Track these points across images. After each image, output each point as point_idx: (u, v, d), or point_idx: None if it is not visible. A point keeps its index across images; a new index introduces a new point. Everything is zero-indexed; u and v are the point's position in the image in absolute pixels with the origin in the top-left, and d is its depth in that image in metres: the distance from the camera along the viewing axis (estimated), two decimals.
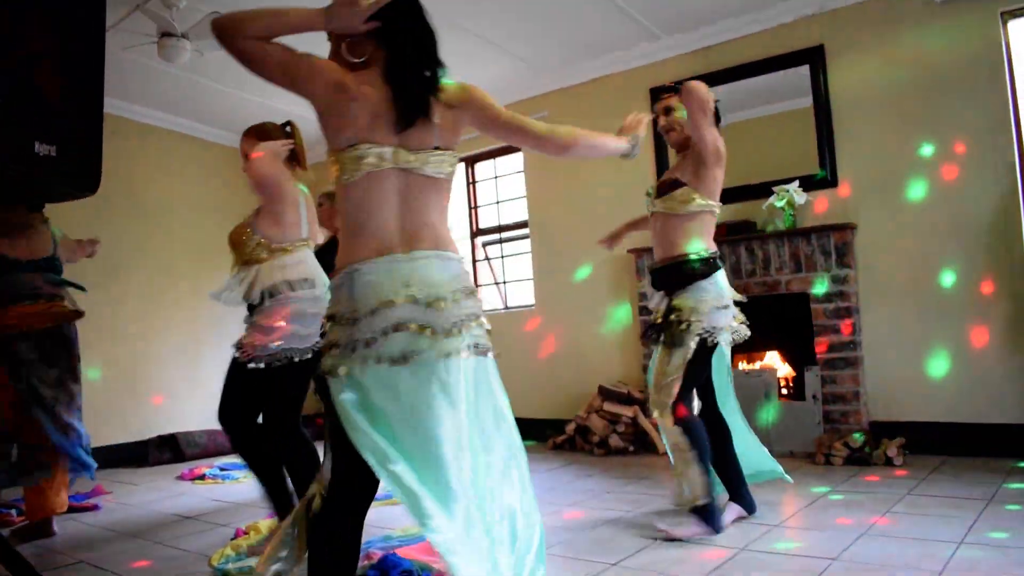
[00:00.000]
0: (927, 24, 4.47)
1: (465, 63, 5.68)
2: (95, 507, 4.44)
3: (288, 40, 1.77)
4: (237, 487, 4.84)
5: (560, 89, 6.01)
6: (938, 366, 4.43)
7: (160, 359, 6.39)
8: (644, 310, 5.16)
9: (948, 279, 4.40)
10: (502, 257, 6.70)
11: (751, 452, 3.52)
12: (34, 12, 1.75)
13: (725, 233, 4.96)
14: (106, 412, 5.72)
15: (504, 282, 6.70)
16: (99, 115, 1.88)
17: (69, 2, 1.86)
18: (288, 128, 3.36)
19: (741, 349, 4.94)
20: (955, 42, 4.39)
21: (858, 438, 4.32)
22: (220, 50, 1.74)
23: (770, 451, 3.58)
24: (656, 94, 3.25)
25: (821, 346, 4.67)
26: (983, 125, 4.30)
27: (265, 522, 3.56)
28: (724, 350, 3.37)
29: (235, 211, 5.26)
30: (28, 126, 1.62)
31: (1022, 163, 4.23)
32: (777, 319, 4.88)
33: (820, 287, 4.67)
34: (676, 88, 3.32)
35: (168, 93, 6.00)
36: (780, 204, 4.74)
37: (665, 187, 3.33)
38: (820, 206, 4.81)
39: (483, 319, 1.91)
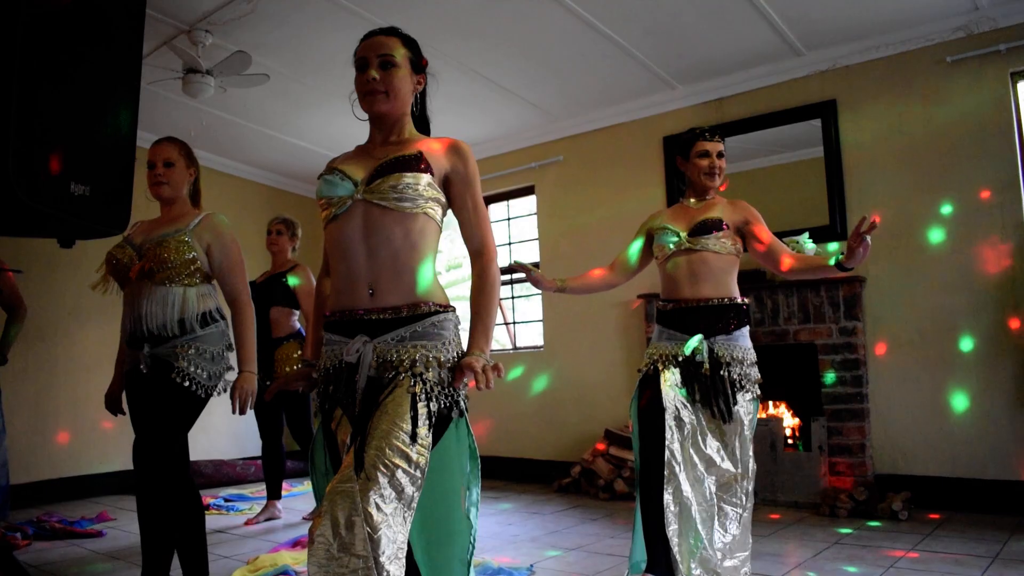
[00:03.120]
0: (938, 82, 4.55)
1: (480, 108, 5.78)
2: (99, 533, 4.45)
3: None
4: (242, 518, 4.85)
5: (574, 136, 6.11)
6: (945, 421, 4.43)
7: None
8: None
9: (956, 334, 4.42)
10: (512, 298, 6.74)
11: None
12: (74, 54, 1.82)
13: None
14: (117, 439, 5.75)
15: (514, 323, 6.74)
16: (131, 156, 1.95)
17: (108, 45, 1.93)
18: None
19: None
20: (965, 100, 4.46)
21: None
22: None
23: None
24: (709, 135, 3.18)
25: (828, 397, 4.69)
26: (992, 182, 4.36)
27: (268, 556, 3.57)
28: None
29: (250, 240, 5.36)
30: (64, 166, 1.68)
31: None
32: (784, 369, 4.89)
33: (829, 378, 4.70)
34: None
35: (189, 126, 6.12)
36: None
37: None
38: None
39: None
